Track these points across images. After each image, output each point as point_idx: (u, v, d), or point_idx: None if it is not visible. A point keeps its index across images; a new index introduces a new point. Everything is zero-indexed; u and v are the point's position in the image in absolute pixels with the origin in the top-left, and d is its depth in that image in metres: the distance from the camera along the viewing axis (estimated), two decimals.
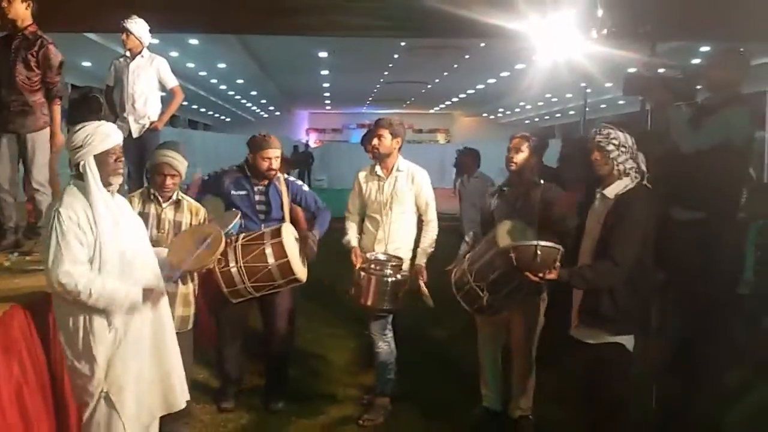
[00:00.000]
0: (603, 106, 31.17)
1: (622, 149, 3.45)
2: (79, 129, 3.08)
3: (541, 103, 36.50)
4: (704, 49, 14.21)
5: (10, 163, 4.98)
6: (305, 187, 4.94)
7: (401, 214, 4.67)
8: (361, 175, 4.83)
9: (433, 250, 4.70)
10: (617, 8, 4.12)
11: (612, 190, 3.49)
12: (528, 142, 4.31)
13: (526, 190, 4.33)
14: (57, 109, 5.02)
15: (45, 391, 3.23)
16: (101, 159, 3.05)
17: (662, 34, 4.23)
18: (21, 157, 5.02)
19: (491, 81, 28.63)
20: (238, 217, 4.39)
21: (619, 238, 3.36)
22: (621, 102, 28.52)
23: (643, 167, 3.48)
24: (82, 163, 3.02)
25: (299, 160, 26.53)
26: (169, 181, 4.07)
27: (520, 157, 4.31)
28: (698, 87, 4.14)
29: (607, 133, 3.47)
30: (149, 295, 3.18)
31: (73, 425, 3.23)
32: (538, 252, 3.47)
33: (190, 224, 4.12)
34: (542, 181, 4.33)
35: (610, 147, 3.45)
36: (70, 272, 2.88)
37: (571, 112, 35.78)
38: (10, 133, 4.94)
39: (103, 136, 3.07)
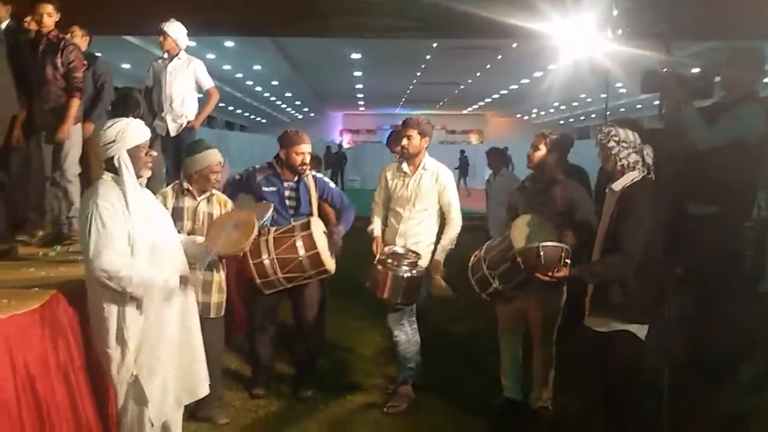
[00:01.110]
0: (622, 108, 30.98)
1: (623, 144, 3.57)
2: (111, 125, 3.29)
3: (575, 104, 36.28)
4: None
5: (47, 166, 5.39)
6: (332, 185, 5.12)
7: (423, 211, 4.82)
8: (388, 170, 5.00)
9: (452, 247, 4.83)
10: (633, 9, 4.22)
11: (619, 184, 3.61)
12: (545, 139, 4.44)
13: (545, 187, 4.46)
14: (75, 102, 5.31)
15: (88, 373, 3.42)
16: (133, 153, 3.26)
17: (677, 34, 4.30)
18: (54, 152, 5.38)
19: (524, 81, 28.54)
20: (272, 209, 4.57)
21: (626, 228, 3.47)
22: (638, 106, 28.44)
23: (649, 160, 3.59)
24: (116, 156, 3.23)
25: (332, 161, 26.83)
26: (219, 176, 4.35)
27: (538, 155, 4.45)
28: (715, 84, 4.21)
29: (607, 131, 3.61)
30: (186, 282, 3.40)
31: (113, 404, 3.41)
32: (541, 252, 3.62)
33: (222, 213, 4.35)
34: (562, 178, 4.46)
35: (611, 144, 3.58)
36: (113, 260, 3.08)
37: (593, 116, 35.65)
38: (46, 131, 5.31)
39: (134, 131, 3.28)
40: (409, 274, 4.52)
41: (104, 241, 3.08)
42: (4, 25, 5.52)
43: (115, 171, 3.25)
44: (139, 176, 3.31)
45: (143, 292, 3.19)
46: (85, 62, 5.55)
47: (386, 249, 4.69)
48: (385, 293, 4.54)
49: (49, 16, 5.24)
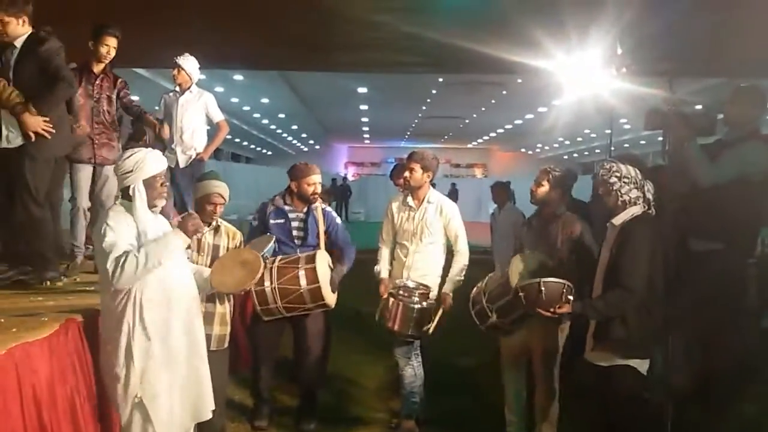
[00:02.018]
0: (626, 144, 31.18)
1: (625, 180, 3.62)
2: (130, 155, 3.37)
3: (580, 139, 36.43)
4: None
5: (86, 192, 5.44)
6: (338, 220, 5.15)
7: (430, 244, 4.87)
8: (394, 203, 5.05)
9: (461, 279, 4.85)
10: (636, 47, 4.30)
11: (619, 219, 3.65)
12: (549, 175, 4.49)
13: (547, 222, 4.51)
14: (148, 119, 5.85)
15: (94, 398, 3.46)
16: (149, 183, 3.35)
17: (680, 72, 4.38)
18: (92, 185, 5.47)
19: (529, 116, 28.71)
20: (273, 241, 4.60)
21: (626, 263, 3.51)
22: (642, 142, 28.61)
23: (650, 196, 3.63)
24: (132, 186, 3.31)
25: (337, 193, 26.95)
26: (219, 208, 4.34)
27: (541, 190, 4.50)
28: (718, 121, 4.27)
29: (609, 167, 3.67)
30: (185, 225, 3.43)
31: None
32: (542, 288, 3.64)
33: (227, 247, 4.37)
34: (565, 213, 4.50)
35: (612, 179, 3.64)
36: (113, 260, 3.15)
37: (597, 150, 35.81)
38: (89, 164, 5.40)
39: (152, 161, 3.37)
40: (420, 306, 4.54)
41: (107, 250, 3.17)
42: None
43: (130, 199, 3.33)
44: (153, 206, 3.39)
45: (160, 257, 3.25)
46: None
47: (397, 282, 4.72)
48: (395, 325, 4.56)
49: (113, 50, 5.33)
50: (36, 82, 4.57)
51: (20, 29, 4.62)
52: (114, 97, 5.47)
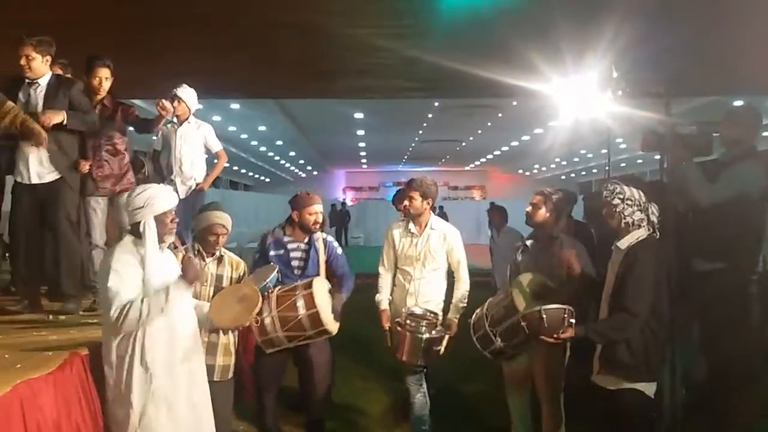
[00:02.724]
0: (623, 163, 31.29)
1: (628, 202, 3.63)
2: (142, 191, 3.39)
3: (576, 159, 36.54)
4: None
5: (102, 225, 5.38)
6: (339, 250, 5.12)
7: (433, 271, 4.87)
8: (395, 230, 5.02)
9: (465, 305, 4.84)
10: (631, 70, 4.35)
11: (624, 242, 3.66)
12: (547, 198, 4.51)
13: (544, 245, 4.53)
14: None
15: None
16: (159, 219, 3.36)
17: (676, 92, 4.42)
18: None
19: (525, 138, 28.80)
20: (276, 271, 4.60)
21: (630, 287, 3.51)
22: (639, 161, 28.72)
23: (654, 219, 3.64)
24: (142, 222, 3.31)
25: (336, 219, 26.98)
26: (221, 239, 4.35)
27: (540, 214, 4.52)
28: (714, 139, 4.30)
29: (612, 188, 3.67)
30: (187, 274, 3.42)
31: None
32: (543, 316, 3.65)
33: (231, 278, 4.38)
34: (561, 236, 4.52)
35: (616, 201, 3.65)
36: (117, 308, 3.17)
37: (594, 171, 35.92)
38: (99, 196, 5.35)
39: (164, 198, 3.40)
40: (428, 335, 4.51)
41: (111, 294, 3.19)
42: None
43: (139, 234, 3.33)
44: (162, 241, 3.41)
45: (161, 309, 3.26)
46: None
47: (404, 310, 4.69)
48: (404, 355, 4.53)
49: (106, 80, 5.30)
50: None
51: (43, 68, 4.89)
52: (116, 126, 5.38)
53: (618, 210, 3.65)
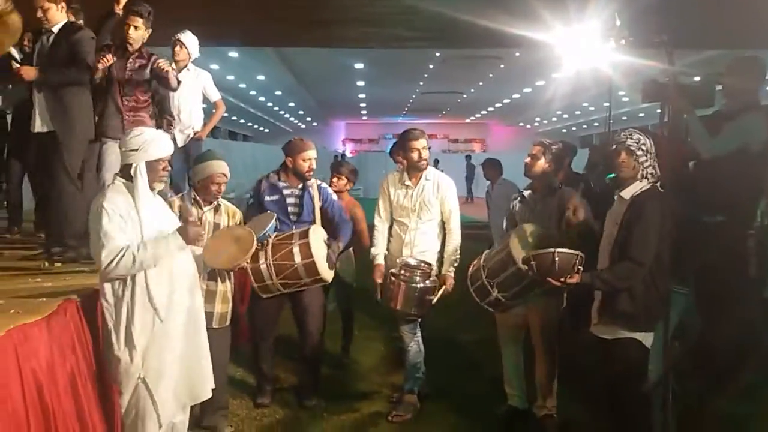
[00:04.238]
0: (624, 117, 31.10)
1: (649, 155, 3.60)
2: (139, 134, 3.35)
3: (578, 113, 36.33)
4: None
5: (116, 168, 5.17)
6: (334, 196, 5.14)
7: (429, 221, 4.84)
8: (390, 181, 4.98)
9: (457, 257, 4.82)
10: (635, 19, 4.26)
11: (628, 192, 3.63)
12: (547, 150, 4.47)
13: (542, 196, 4.50)
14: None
15: (94, 378, 3.46)
16: (151, 165, 3.32)
17: (679, 43, 4.34)
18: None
19: (527, 90, 28.61)
20: (274, 219, 4.60)
21: (636, 237, 3.50)
22: (640, 114, 28.52)
23: (658, 170, 3.62)
24: (134, 165, 3.28)
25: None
26: (222, 187, 4.36)
27: (537, 164, 4.49)
28: (716, 92, 4.24)
29: (637, 138, 3.62)
30: (186, 233, 3.37)
31: (119, 412, 3.43)
32: (556, 258, 3.62)
33: (228, 226, 4.37)
34: (560, 186, 4.49)
35: (640, 152, 3.60)
36: (110, 253, 3.14)
37: (595, 124, 35.67)
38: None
39: (159, 144, 3.35)
40: (422, 285, 4.52)
41: (106, 240, 3.16)
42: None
43: (130, 177, 3.30)
44: (152, 188, 3.37)
45: (154, 260, 3.24)
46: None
47: (398, 261, 4.69)
48: (398, 304, 4.54)
49: (136, 29, 5.07)
50: (66, 68, 4.82)
51: (59, 15, 4.93)
52: (146, 75, 5.13)
53: (640, 161, 3.60)
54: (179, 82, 5.41)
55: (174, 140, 6.04)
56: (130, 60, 5.09)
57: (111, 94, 5.07)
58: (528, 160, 4.52)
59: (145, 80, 5.12)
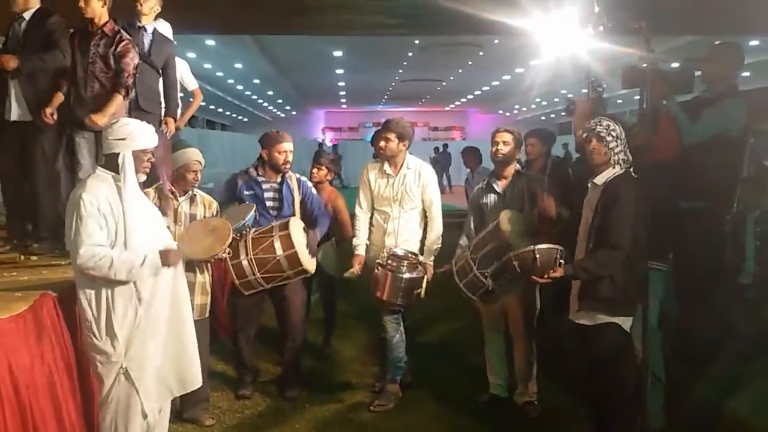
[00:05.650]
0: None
1: (619, 140, 3.61)
2: (126, 123, 3.30)
3: (556, 100, 36.39)
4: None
5: (91, 158, 4.88)
6: (314, 191, 5.11)
7: (411, 210, 4.83)
8: (371, 170, 4.95)
9: (438, 246, 4.82)
10: (613, 5, 4.26)
11: (601, 178, 3.65)
12: (512, 135, 4.56)
13: (511, 182, 4.58)
14: (116, 98, 4.82)
15: (72, 373, 3.42)
16: (137, 155, 3.27)
17: (657, 29, 4.36)
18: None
19: (506, 78, 28.64)
20: (254, 210, 4.56)
21: (613, 222, 3.51)
22: (618, 101, 28.69)
23: (629, 156, 3.63)
24: (121, 154, 3.22)
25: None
26: (199, 174, 4.32)
27: (507, 149, 4.55)
28: (695, 78, 4.27)
29: (606, 125, 3.62)
30: (167, 257, 3.34)
31: (97, 405, 3.40)
32: (537, 256, 3.64)
33: (204, 216, 4.34)
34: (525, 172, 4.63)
35: (610, 138, 3.60)
36: (88, 251, 3.09)
37: None
38: (89, 131, 4.87)
39: (146, 135, 3.31)
40: (408, 275, 4.50)
41: (83, 235, 3.10)
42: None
43: (113, 167, 3.24)
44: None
45: (126, 273, 3.17)
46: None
47: (385, 250, 4.67)
48: (384, 294, 4.52)
49: (103, 5, 4.85)
50: (42, 53, 4.71)
51: (32, 1, 4.85)
52: (112, 56, 4.85)
53: (611, 147, 3.61)
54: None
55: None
56: (93, 41, 4.86)
57: (77, 81, 4.85)
58: (498, 147, 4.55)
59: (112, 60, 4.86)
